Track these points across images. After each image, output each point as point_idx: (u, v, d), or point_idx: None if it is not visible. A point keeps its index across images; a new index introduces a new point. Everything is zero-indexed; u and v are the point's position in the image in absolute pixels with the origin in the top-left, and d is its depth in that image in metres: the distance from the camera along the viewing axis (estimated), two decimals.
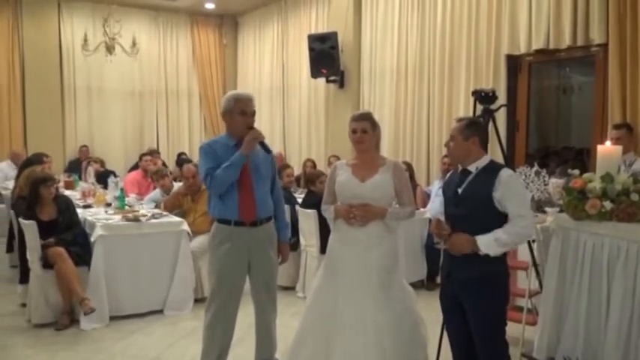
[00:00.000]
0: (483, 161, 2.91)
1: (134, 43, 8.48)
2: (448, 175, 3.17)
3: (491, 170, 2.85)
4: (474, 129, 2.92)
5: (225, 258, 3.39)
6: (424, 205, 6.36)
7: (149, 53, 11.19)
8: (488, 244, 2.76)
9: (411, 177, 6.64)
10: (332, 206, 3.34)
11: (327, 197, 3.42)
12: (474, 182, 2.87)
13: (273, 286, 3.67)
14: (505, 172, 2.82)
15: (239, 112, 3.41)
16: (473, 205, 2.83)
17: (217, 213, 3.44)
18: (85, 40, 8.43)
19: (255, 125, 3.48)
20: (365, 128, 3.26)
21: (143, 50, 10.28)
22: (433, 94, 7.35)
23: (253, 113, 3.47)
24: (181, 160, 9.18)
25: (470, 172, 2.91)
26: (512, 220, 2.76)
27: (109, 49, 8.26)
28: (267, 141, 3.59)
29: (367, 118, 3.31)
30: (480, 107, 4.16)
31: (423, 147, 7.49)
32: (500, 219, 2.79)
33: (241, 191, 3.38)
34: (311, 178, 5.98)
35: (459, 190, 2.91)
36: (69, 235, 4.99)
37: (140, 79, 11.26)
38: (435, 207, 6.24)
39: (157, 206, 5.97)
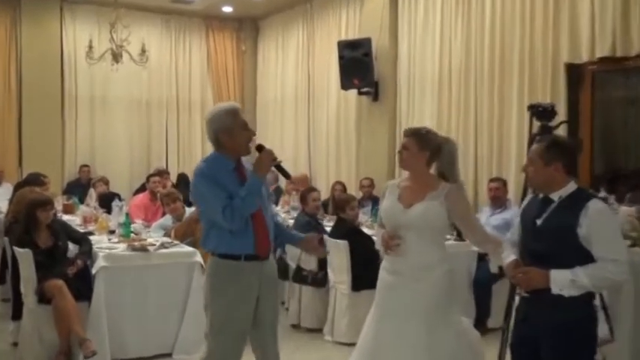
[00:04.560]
0: (568, 189, 2.83)
1: (143, 50, 8.63)
2: (527, 200, 3.11)
3: (577, 200, 2.77)
4: (557, 152, 2.84)
5: (235, 298, 3.31)
6: None
7: (159, 61, 11.35)
8: (562, 282, 2.69)
9: None
10: (382, 231, 3.39)
11: (379, 222, 3.49)
12: (556, 213, 2.80)
13: (277, 324, 3.60)
14: (594, 205, 2.72)
15: (241, 127, 3.34)
16: (554, 241, 2.76)
17: (225, 248, 3.31)
18: (90, 46, 8.59)
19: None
20: (407, 145, 3.27)
21: (153, 58, 10.40)
22: (481, 109, 7.30)
23: None
24: (184, 180, 9.23)
25: (552, 201, 2.84)
26: (601, 262, 2.67)
27: (116, 57, 8.41)
28: (284, 162, 3.50)
29: (413, 134, 3.32)
30: (536, 124, 4.15)
31: (470, 169, 7.42)
32: (589, 259, 2.70)
33: (255, 221, 3.31)
34: (340, 203, 5.97)
35: (538, 222, 2.84)
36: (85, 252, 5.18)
37: (148, 89, 11.42)
38: None
39: (166, 234, 6.01)
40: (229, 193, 3.23)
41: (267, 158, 3.30)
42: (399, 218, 3.24)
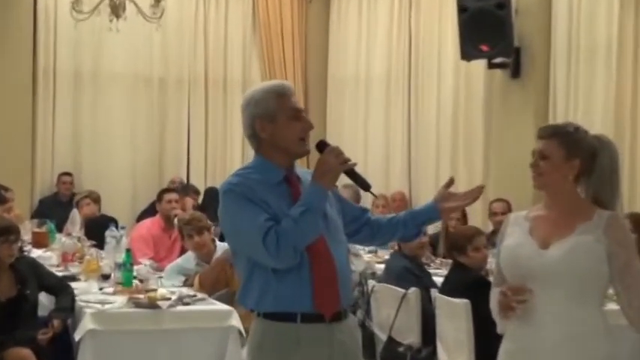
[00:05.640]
0: None
1: (157, 0, 8.80)
2: None
3: None
4: None
5: None
6: None
7: (180, 17, 11.58)
8: None
9: None
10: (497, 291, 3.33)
11: (497, 275, 3.42)
12: None
13: None
14: None
15: (290, 116, 3.31)
16: None
17: (270, 303, 3.27)
18: None
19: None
20: (545, 151, 3.22)
21: (171, 12, 10.59)
22: None
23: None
24: (215, 199, 9.30)
25: None
26: None
27: (116, 10, 8.60)
28: (360, 168, 3.45)
29: (556, 134, 3.25)
30: None
31: None
32: None
33: (314, 258, 3.27)
34: (458, 240, 5.92)
35: None
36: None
37: (163, 61, 11.64)
38: None
39: (187, 282, 6.10)
40: (274, 213, 3.21)
41: (334, 160, 3.22)
42: (530, 263, 3.15)
